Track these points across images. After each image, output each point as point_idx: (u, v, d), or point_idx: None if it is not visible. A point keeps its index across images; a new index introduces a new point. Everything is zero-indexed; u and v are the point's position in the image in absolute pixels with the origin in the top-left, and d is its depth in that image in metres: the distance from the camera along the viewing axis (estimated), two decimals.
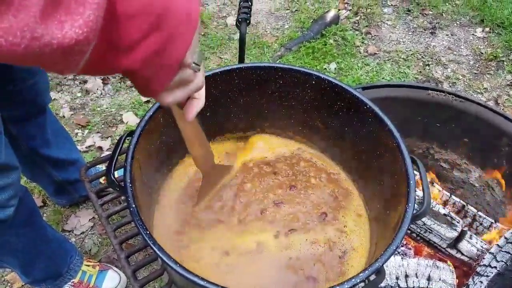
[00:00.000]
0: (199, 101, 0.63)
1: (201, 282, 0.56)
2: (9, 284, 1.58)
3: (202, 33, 2.54)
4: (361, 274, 0.57)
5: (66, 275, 1.48)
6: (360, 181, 0.94)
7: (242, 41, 1.26)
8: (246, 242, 0.86)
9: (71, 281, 1.51)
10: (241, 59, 1.34)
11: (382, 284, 1.41)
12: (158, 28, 0.45)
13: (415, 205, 0.68)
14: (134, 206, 0.62)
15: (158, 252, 0.59)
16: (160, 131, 0.78)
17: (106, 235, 1.70)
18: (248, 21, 1.27)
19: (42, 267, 1.40)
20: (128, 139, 0.75)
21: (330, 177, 0.99)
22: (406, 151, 0.71)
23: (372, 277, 1.46)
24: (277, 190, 0.96)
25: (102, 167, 1.65)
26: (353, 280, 0.57)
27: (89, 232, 1.72)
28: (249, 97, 0.95)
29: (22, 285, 1.56)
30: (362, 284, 0.57)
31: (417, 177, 0.82)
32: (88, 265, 1.55)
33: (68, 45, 0.39)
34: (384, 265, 1.52)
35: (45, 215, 1.75)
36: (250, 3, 1.27)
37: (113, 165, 0.68)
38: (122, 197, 1.24)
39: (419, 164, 0.72)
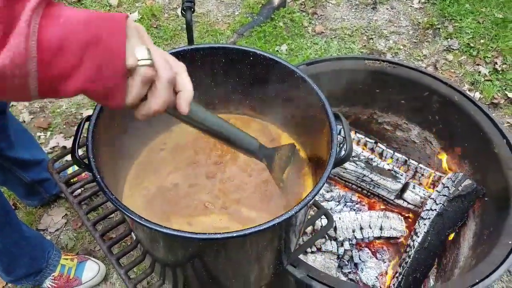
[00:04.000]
0: (185, 91, 0.60)
1: (166, 231, 0.66)
2: None
3: (155, 26, 2.60)
4: (292, 209, 0.68)
5: (45, 270, 1.54)
6: (300, 139, 1.07)
7: (188, 27, 1.36)
8: None
9: (52, 275, 1.57)
10: (190, 43, 1.44)
11: (340, 238, 1.57)
12: (88, 53, 0.49)
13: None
14: (98, 176, 0.71)
15: (123, 210, 0.68)
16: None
17: (81, 229, 1.77)
18: (192, 9, 1.36)
19: (23, 264, 1.46)
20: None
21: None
22: (330, 107, 0.83)
23: (323, 223, 1.58)
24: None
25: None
26: (284, 215, 0.68)
27: (64, 229, 1.78)
28: (196, 77, 1.05)
29: (3, 286, 1.60)
30: (301, 215, 0.67)
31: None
32: (67, 259, 1.62)
33: None
34: (340, 219, 1.66)
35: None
36: None
37: (76, 146, 0.76)
38: (91, 184, 1.32)
39: (341, 118, 0.84)
